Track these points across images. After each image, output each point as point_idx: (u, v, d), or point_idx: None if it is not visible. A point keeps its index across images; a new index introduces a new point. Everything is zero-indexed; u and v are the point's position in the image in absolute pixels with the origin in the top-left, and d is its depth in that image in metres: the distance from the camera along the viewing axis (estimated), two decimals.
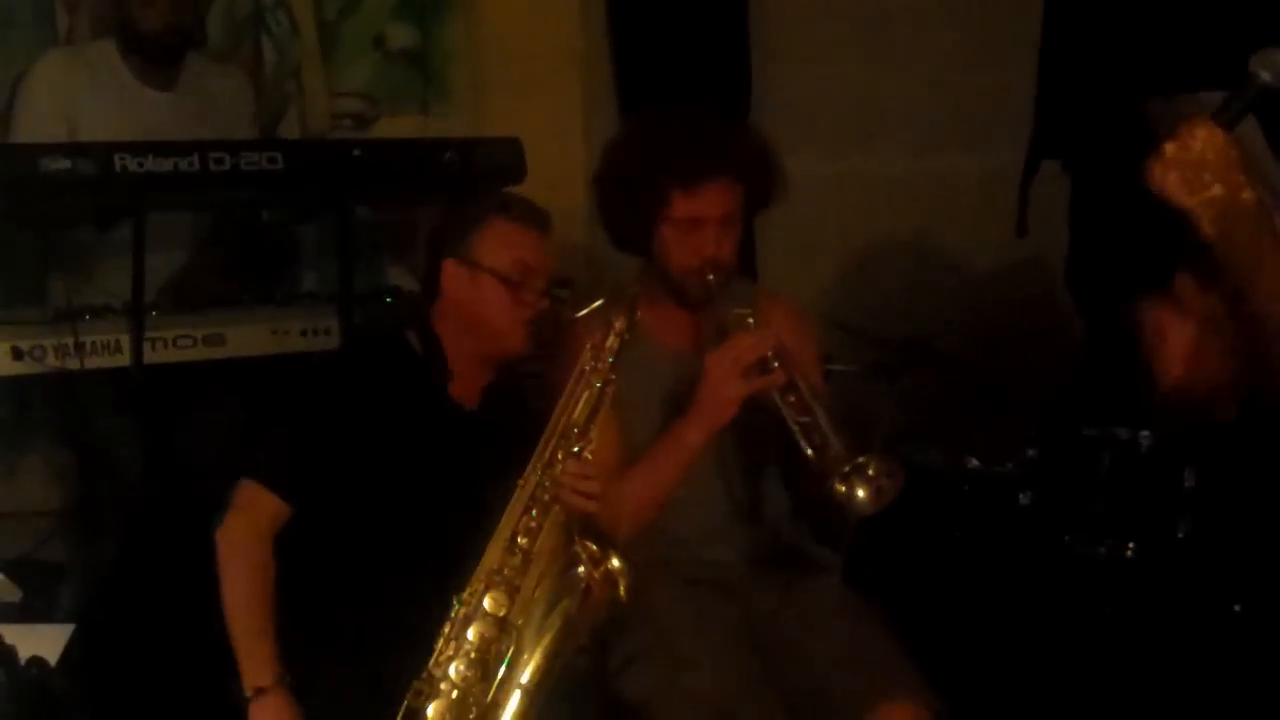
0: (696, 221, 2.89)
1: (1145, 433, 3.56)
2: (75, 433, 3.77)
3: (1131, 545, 3.47)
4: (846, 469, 2.66)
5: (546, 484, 2.60)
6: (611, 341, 2.70)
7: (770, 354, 2.81)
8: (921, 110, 4.72)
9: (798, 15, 4.69)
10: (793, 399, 2.78)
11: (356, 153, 3.62)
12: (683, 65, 4.46)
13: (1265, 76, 2.24)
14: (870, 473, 2.67)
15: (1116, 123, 3.92)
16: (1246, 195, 2.24)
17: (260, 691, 2.61)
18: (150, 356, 3.42)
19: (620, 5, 4.58)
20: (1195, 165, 2.22)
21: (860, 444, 2.71)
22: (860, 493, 2.67)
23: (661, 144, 2.93)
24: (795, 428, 2.77)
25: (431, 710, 2.45)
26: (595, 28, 4.59)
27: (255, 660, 2.64)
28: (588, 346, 2.72)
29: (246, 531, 2.72)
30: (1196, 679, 3.30)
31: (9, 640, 2.43)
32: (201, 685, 2.86)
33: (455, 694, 2.46)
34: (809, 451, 2.74)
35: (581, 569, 2.53)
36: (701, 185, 2.88)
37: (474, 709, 2.46)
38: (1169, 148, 2.23)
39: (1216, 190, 2.21)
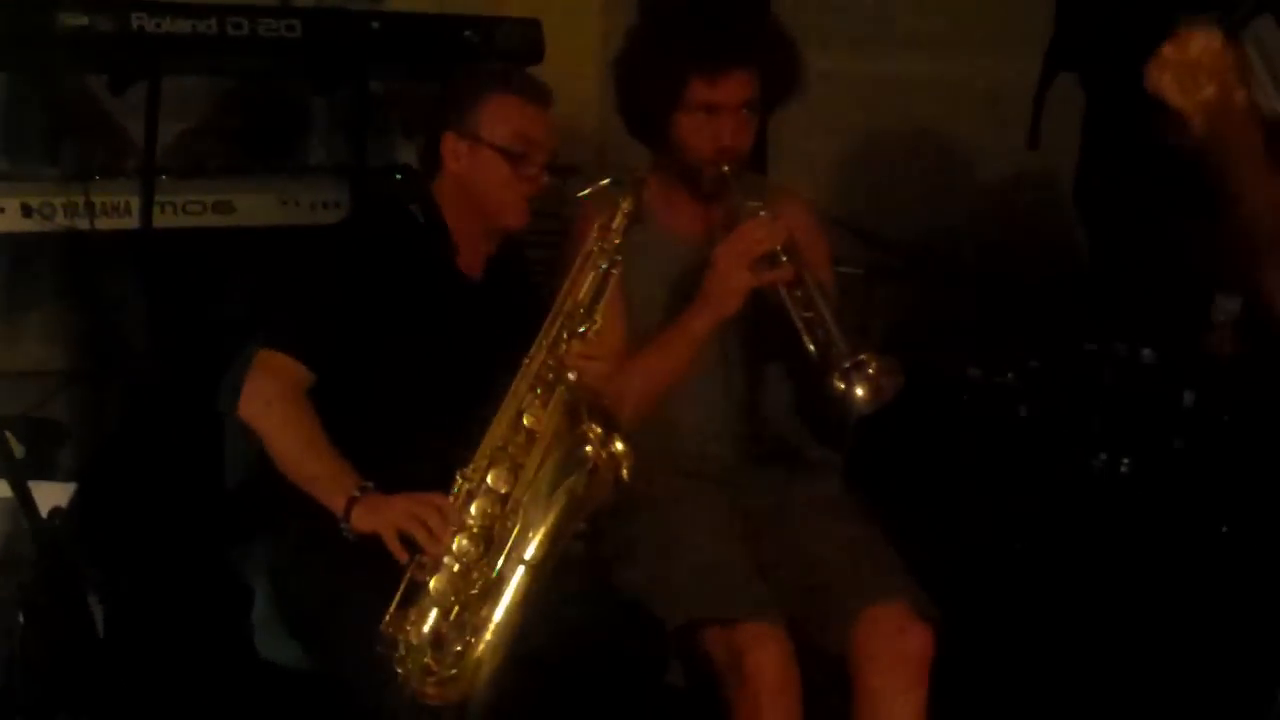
0: (715, 109, 2.88)
1: (1147, 350, 3.58)
2: (81, 293, 3.77)
3: (1127, 460, 3.50)
4: (847, 365, 2.68)
5: (552, 363, 2.60)
6: (618, 221, 2.69)
7: (780, 248, 2.81)
8: (939, 12, 4.68)
9: None
10: (799, 294, 2.79)
11: (375, 25, 3.59)
12: None
13: None
14: (870, 371, 2.68)
15: (1138, 40, 3.89)
16: (1239, 96, 2.30)
17: (364, 489, 2.54)
18: (159, 220, 3.42)
19: None
20: (1190, 67, 2.28)
21: (863, 342, 2.72)
22: (859, 390, 2.68)
23: (683, 30, 2.91)
24: (800, 323, 2.78)
25: (433, 583, 2.45)
26: None
27: (339, 479, 2.57)
28: (594, 226, 2.71)
29: (276, 385, 2.68)
30: (1182, 594, 3.34)
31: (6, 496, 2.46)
32: (201, 549, 2.89)
33: (457, 567, 2.46)
34: (811, 347, 2.75)
35: (589, 448, 2.53)
36: (722, 73, 2.86)
37: (477, 583, 2.46)
38: (1166, 49, 2.30)
39: (1209, 91, 2.28)
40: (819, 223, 3.15)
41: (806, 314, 2.78)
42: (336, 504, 2.54)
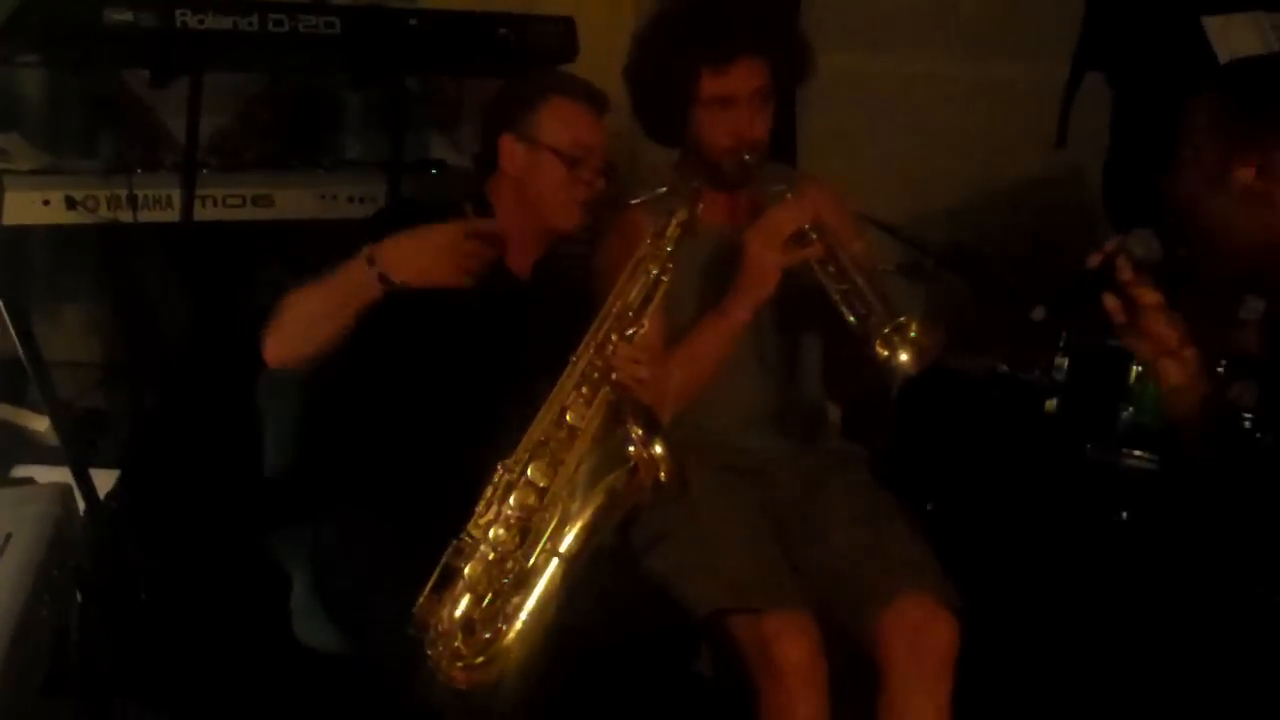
0: (728, 101, 2.92)
1: None
2: (120, 285, 3.81)
3: (1154, 457, 3.51)
4: (887, 330, 2.69)
5: (598, 363, 2.62)
6: (672, 230, 2.72)
7: (808, 226, 2.83)
8: (973, 13, 4.70)
9: None
10: (832, 269, 2.81)
11: (413, 22, 3.60)
12: None
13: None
14: (911, 334, 2.69)
15: (1164, 37, 3.91)
16: None
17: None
18: (200, 214, 3.47)
19: None
20: None
21: (901, 307, 2.73)
22: (902, 355, 2.70)
23: (688, 25, 2.95)
24: (836, 296, 2.80)
25: (467, 569, 2.47)
26: None
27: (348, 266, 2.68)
28: (649, 233, 2.73)
29: None
30: (1209, 589, 3.35)
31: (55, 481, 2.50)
32: (240, 537, 2.93)
33: (492, 556, 2.48)
34: (851, 319, 2.77)
35: (631, 448, 2.54)
36: (730, 62, 2.90)
37: (511, 572, 2.48)
38: None
39: None
40: (844, 203, 3.15)
41: (842, 287, 2.79)
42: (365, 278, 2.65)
